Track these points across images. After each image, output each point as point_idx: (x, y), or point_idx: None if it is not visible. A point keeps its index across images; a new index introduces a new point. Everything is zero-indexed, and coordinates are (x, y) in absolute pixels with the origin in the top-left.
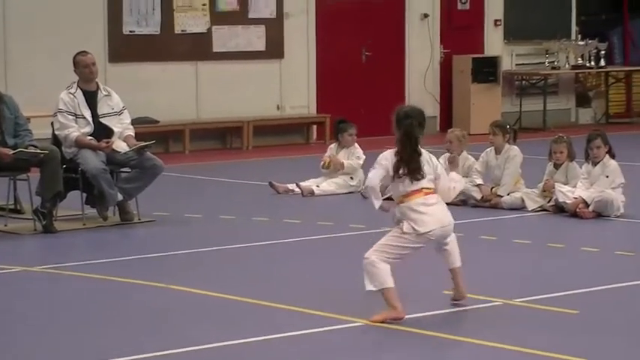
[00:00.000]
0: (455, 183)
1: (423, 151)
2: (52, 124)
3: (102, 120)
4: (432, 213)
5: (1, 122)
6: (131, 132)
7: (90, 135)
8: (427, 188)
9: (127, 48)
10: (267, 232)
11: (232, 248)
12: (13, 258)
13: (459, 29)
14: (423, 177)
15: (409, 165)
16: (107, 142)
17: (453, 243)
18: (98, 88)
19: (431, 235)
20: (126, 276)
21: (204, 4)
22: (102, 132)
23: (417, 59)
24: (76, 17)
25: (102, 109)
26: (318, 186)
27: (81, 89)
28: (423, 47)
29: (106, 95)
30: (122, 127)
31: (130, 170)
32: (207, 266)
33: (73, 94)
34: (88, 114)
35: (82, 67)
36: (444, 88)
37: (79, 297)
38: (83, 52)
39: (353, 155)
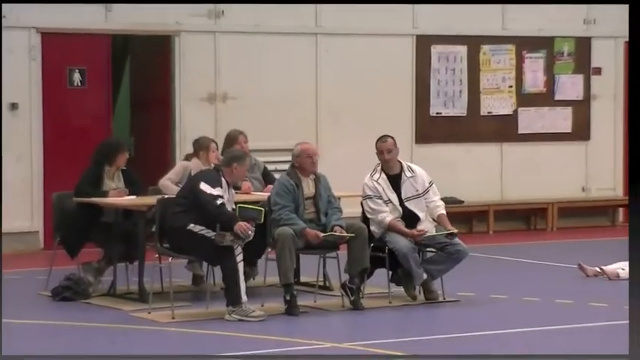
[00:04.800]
0: None
1: None
2: (361, 203)
3: (407, 204)
4: None
5: (317, 200)
6: (442, 210)
7: (398, 218)
8: None
9: (433, 129)
10: (570, 315)
11: (535, 331)
12: (323, 333)
13: None
14: None
15: None
16: (419, 231)
17: None
18: (402, 169)
19: None
20: (431, 356)
21: (510, 87)
22: (408, 216)
23: None
24: (385, 100)
25: (406, 192)
26: (623, 269)
27: (385, 173)
28: None
29: (410, 177)
30: (431, 205)
31: (435, 251)
32: (513, 348)
33: (376, 180)
34: (394, 198)
35: (379, 154)
36: None
37: None
38: (383, 138)
39: None
